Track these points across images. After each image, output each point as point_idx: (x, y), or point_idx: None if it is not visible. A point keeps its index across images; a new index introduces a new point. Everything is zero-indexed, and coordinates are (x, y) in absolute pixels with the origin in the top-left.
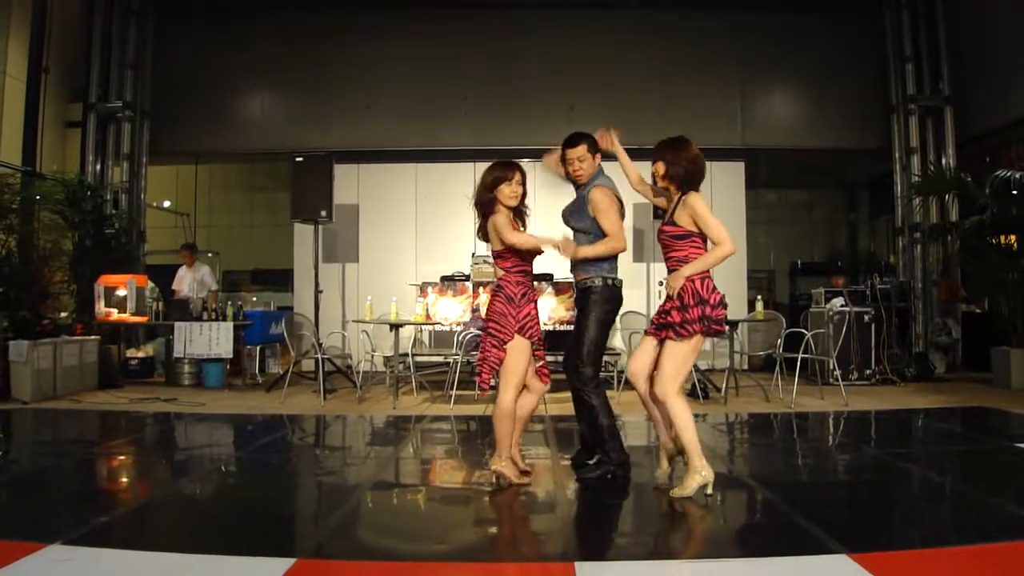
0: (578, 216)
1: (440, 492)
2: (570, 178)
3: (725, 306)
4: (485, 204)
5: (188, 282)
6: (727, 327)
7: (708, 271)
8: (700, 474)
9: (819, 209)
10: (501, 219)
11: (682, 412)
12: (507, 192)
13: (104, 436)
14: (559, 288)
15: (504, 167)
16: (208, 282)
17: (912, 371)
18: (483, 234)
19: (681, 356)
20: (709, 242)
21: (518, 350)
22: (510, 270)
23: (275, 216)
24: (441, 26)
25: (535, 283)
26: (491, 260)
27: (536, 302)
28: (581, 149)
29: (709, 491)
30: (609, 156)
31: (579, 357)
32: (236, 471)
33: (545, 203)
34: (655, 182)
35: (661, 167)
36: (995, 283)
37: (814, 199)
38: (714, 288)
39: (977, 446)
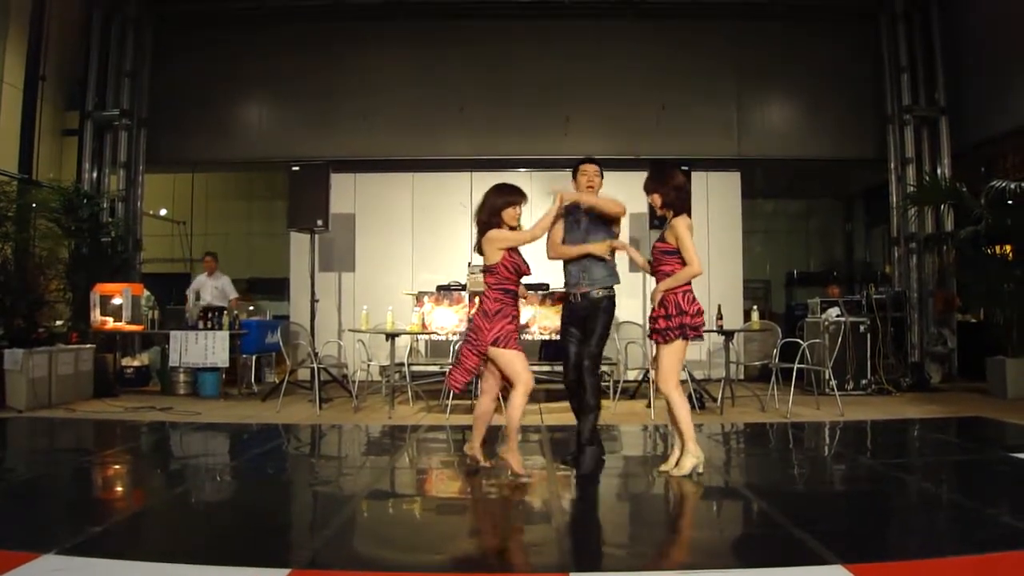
0: (594, 229)
1: (435, 502)
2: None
3: (702, 313)
4: (489, 224)
5: (209, 289)
6: (703, 331)
7: (689, 285)
8: (694, 456)
9: (815, 219)
10: (503, 231)
11: (680, 403)
12: (512, 214)
13: (99, 445)
14: (554, 298)
15: (515, 192)
16: (228, 291)
17: (908, 381)
18: (480, 248)
19: (671, 356)
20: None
21: (501, 354)
22: (492, 286)
23: (271, 225)
24: (438, 36)
25: (532, 294)
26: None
27: (513, 318)
28: (597, 168)
29: (700, 471)
30: (610, 166)
31: (591, 354)
32: (231, 481)
33: (543, 211)
34: (654, 212)
35: (657, 199)
36: (990, 293)
37: (810, 209)
38: (693, 300)
39: (973, 456)
